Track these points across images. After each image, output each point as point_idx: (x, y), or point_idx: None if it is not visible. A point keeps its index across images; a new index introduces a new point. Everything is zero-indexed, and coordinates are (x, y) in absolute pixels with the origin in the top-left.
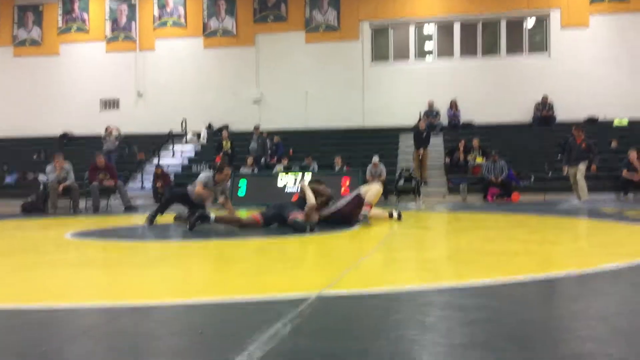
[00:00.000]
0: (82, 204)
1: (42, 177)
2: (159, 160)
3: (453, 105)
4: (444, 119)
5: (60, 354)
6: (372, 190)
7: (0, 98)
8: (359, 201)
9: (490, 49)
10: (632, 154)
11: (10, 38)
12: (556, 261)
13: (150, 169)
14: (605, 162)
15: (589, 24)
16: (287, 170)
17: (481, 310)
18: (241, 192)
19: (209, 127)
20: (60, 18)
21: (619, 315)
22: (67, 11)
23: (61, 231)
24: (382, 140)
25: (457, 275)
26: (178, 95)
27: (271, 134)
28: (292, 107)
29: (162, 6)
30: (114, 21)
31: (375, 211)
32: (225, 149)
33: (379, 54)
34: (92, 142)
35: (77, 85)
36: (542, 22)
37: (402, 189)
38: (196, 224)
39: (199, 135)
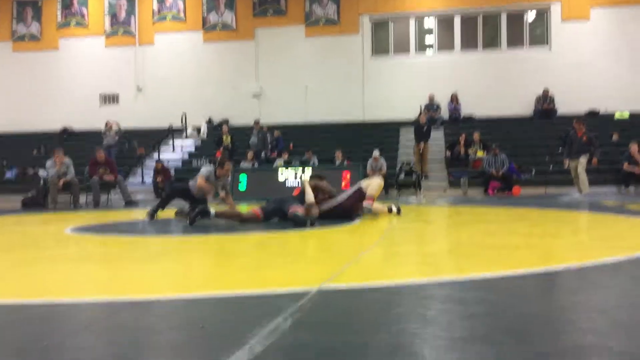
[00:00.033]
0: (82, 199)
1: (42, 172)
2: (159, 155)
3: (454, 99)
4: (444, 113)
5: (61, 349)
6: (373, 184)
7: None
8: (359, 195)
9: (491, 42)
10: (633, 147)
11: (10, 33)
12: (557, 254)
13: (150, 163)
14: (606, 155)
15: (590, 16)
16: (287, 164)
17: (482, 303)
18: (242, 187)
19: (209, 121)
20: (59, 13)
21: (619, 308)
22: (66, 6)
23: (61, 226)
24: (382, 134)
25: (457, 269)
26: (178, 89)
27: (271, 128)
28: (292, 101)
29: (161, 0)
30: (113, 16)
31: (376, 205)
32: (226, 143)
33: (379, 47)
34: (92, 137)
35: (77, 80)
36: (542, 15)
37: (402, 182)
38: (196, 219)
39: (199, 130)
